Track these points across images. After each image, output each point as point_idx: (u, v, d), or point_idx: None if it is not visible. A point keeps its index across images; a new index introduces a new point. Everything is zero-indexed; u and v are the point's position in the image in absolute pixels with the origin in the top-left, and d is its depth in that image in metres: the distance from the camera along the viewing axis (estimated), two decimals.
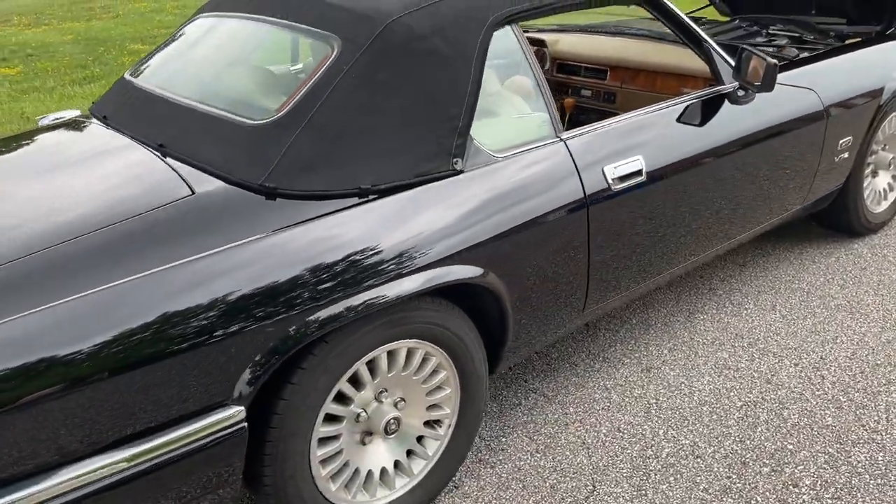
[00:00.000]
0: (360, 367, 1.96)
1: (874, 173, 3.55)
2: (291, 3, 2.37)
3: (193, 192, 1.89)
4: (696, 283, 3.32)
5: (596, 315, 2.60)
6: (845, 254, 3.49)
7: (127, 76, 2.62)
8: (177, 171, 2.00)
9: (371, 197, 1.96)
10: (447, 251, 2.01)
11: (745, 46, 2.64)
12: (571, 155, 2.28)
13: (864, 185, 3.46)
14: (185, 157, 2.05)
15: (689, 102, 2.65)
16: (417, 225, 1.98)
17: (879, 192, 3.59)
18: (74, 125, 2.55)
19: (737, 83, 2.69)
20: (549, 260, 2.26)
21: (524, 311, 2.27)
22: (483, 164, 2.13)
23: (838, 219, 3.50)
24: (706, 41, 2.72)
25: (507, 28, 2.29)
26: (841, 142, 3.11)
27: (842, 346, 2.84)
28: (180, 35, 2.70)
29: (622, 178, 2.37)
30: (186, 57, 2.57)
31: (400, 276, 1.92)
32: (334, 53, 2.08)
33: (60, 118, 2.74)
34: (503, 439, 2.48)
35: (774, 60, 2.56)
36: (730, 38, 3.85)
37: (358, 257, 1.87)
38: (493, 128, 2.24)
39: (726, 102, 2.71)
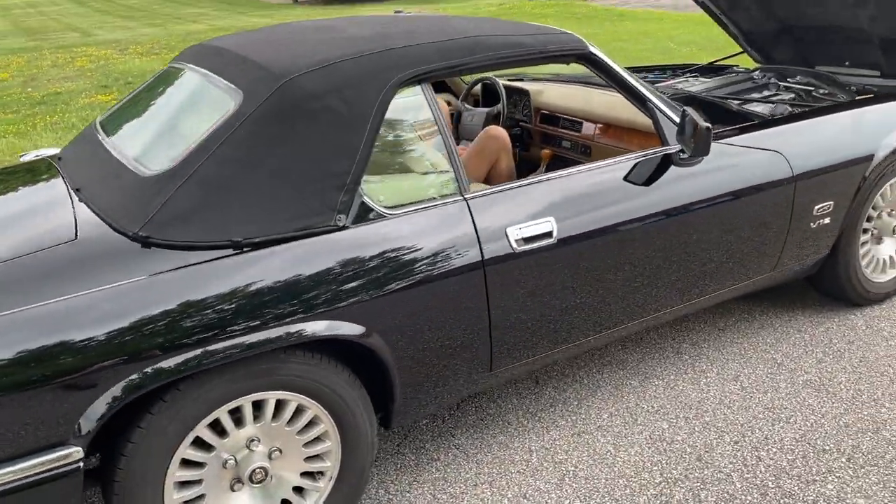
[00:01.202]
0: (222, 414, 2.00)
1: (878, 240, 3.32)
2: (223, 56, 2.47)
3: (76, 237, 2.00)
4: (665, 345, 3.19)
5: (514, 374, 2.55)
6: (837, 324, 3.27)
7: (98, 118, 2.80)
8: (76, 216, 2.12)
9: (246, 249, 2.01)
10: (319, 307, 2.03)
11: (686, 108, 2.55)
12: (471, 214, 2.27)
13: (861, 252, 3.24)
14: (90, 202, 2.17)
15: (625, 163, 2.58)
16: (289, 279, 2.01)
17: (884, 260, 3.35)
18: (36, 164, 2.74)
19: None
20: (443, 321, 2.24)
21: (415, 372, 2.25)
22: (371, 221, 2.15)
23: (831, 286, 3.29)
24: (650, 100, 2.64)
25: (417, 87, 2.31)
26: (817, 207, 2.93)
27: (793, 426, 2.67)
28: (148, 82, 2.86)
29: (528, 240, 2.32)
30: (137, 104, 2.71)
31: (263, 328, 1.96)
32: (234, 108, 2.16)
33: (39, 156, 2.94)
34: (407, 494, 2.46)
35: (707, 124, 2.46)
36: (732, 91, 3.72)
37: (219, 307, 1.93)
38: (390, 185, 2.26)
39: (672, 164, 2.61)
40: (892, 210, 3.31)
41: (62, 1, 30.05)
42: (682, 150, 2.59)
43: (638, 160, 2.59)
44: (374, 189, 2.20)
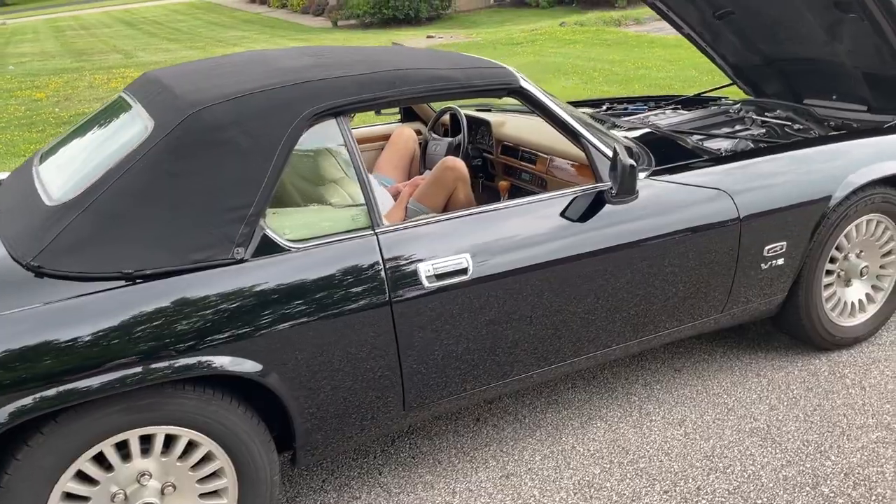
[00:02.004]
0: (105, 448, 1.99)
1: (845, 282, 3.19)
2: (155, 86, 2.48)
3: None
4: (616, 384, 3.10)
5: (432, 413, 2.49)
6: (798, 369, 3.14)
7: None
8: None
9: (138, 281, 2.00)
10: (210, 342, 2.01)
11: (616, 144, 2.48)
12: (381, 249, 2.23)
13: (826, 294, 3.11)
14: (4, 229, 2.19)
15: (554, 199, 2.52)
16: (179, 312, 2.00)
17: (852, 303, 3.22)
18: None
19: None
20: (347, 359, 2.21)
21: (318, 410, 2.21)
22: (272, 254, 2.13)
23: (793, 329, 3.17)
24: (583, 135, 2.58)
25: (332, 120, 2.29)
26: (768, 248, 2.83)
27: (729, 476, 2.56)
28: (96, 110, 2.89)
29: (440, 277, 2.28)
30: (76, 132, 2.74)
31: (148, 361, 1.95)
32: (143, 138, 2.16)
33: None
34: None
35: (631, 161, 2.39)
36: (703, 125, 3.64)
37: (103, 339, 1.91)
38: (298, 218, 2.23)
39: (606, 202, 2.55)
40: (860, 251, 3.18)
41: (114, 23, 30.93)
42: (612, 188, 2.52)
43: (569, 196, 2.53)
44: (280, 222, 2.18)
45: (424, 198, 3.36)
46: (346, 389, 2.24)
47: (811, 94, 4.05)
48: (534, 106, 2.57)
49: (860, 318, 3.24)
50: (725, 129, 3.62)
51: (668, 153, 2.91)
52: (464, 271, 2.31)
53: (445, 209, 3.37)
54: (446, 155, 3.65)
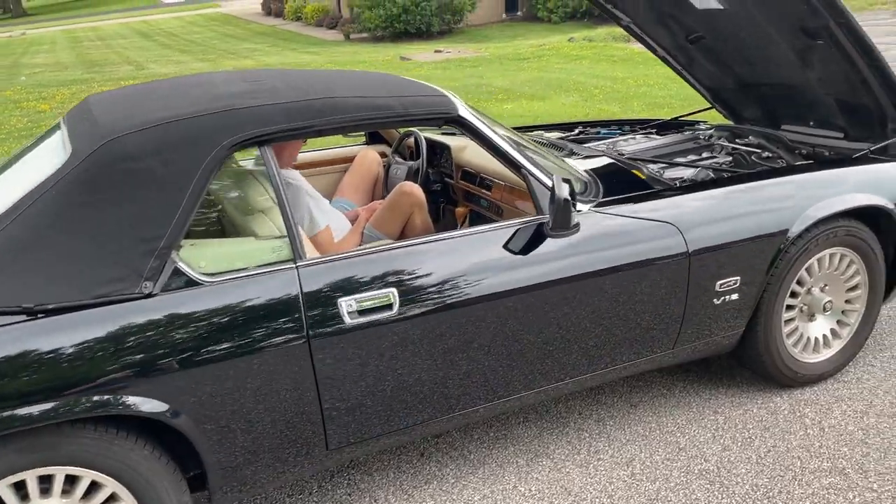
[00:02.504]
0: (2, 489, 1.93)
1: (809, 317, 3.09)
2: (84, 112, 2.44)
3: None
4: (569, 420, 3.01)
5: (362, 453, 2.41)
6: (758, 407, 3.04)
7: None
8: None
9: (40, 316, 1.94)
10: (112, 380, 1.95)
11: (554, 175, 2.41)
12: (300, 284, 2.16)
13: (787, 330, 3.01)
14: None
15: (492, 232, 2.44)
16: (81, 348, 1.94)
17: (816, 339, 3.11)
18: None
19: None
20: (265, 397, 2.14)
21: (231, 450, 2.15)
22: (184, 289, 2.06)
23: (753, 365, 3.07)
24: (523, 166, 2.51)
25: (258, 149, 2.23)
26: (720, 283, 2.73)
27: None
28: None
29: (363, 313, 2.20)
30: (15, 158, 2.70)
31: (46, 399, 1.89)
32: (58, 168, 2.11)
33: None
34: None
35: (566, 195, 2.31)
36: (669, 152, 3.56)
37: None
38: (214, 250, 2.17)
39: (546, 235, 2.47)
40: (825, 286, 3.07)
41: (131, 34, 31.25)
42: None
43: (509, 228, 2.46)
44: (195, 255, 2.12)
45: (380, 223, 3.30)
46: (263, 429, 2.17)
47: (789, 121, 3.96)
48: (472, 135, 2.50)
49: (825, 355, 3.14)
50: (691, 157, 3.54)
51: (620, 183, 2.83)
52: (389, 307, 2.24)
53: (402, 235, 3.31)
54: (406, 179, 3.59)
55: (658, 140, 3.81)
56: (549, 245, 2.46)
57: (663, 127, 4.28)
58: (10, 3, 53.03)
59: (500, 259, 2.40)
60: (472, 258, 2.37)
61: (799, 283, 2.99)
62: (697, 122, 4.38)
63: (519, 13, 24.76)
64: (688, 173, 3.20)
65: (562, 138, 3.94)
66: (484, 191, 3.28)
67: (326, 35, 25.55)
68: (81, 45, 27.45)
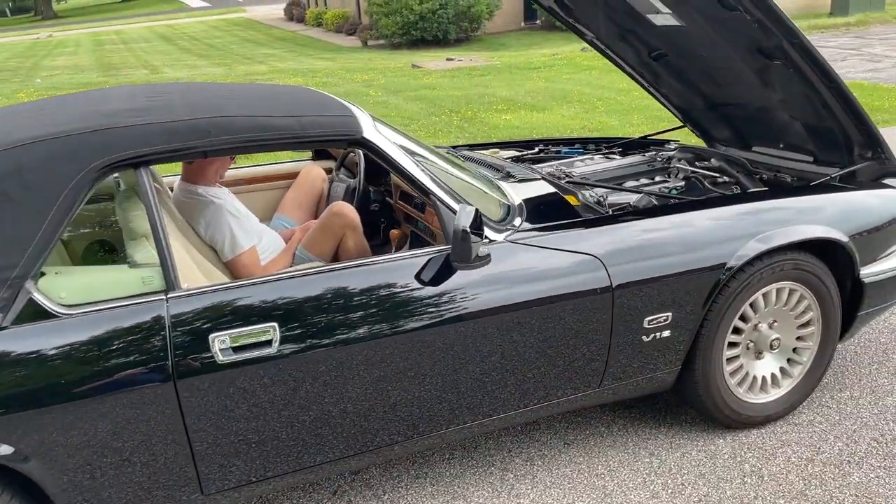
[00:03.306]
0: None
1: (756, 354, 2.89)
2: None
3: None
4: (495, 458, 2.84)
5: (248, 495, 2.27)
6: (697, 450, 2.85)
7: None
8: None
9: None
10: None
11: (460, 204, 2.25)
12: (169, 316, 2.02)
13: (730, 368, 2.82)
14: None
15: (392, 262, 2.29)
16: None
17: (763, 377, 2.92)
18: None
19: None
20: (128, 440, 2.00)
21: (90, 498, 2.01)
22: (39, 321, 1.93)
23: (694, 405, 2.89)
24: (432, 192, 2.36)
25: (131, 171, 2.10)
26: (649, 319, 2.56)
27: None
28: None
29: (238, 350, 2.06)
30: None
31: None
32: None
33: None
34: None
35: (463, 227, 2.15)
36: (620, 175, 3.39)
37: None
38: (78, 279, 2.04)
39: (453, 266, 2.31)
40: (773, 321, 2.88)
41: (154, 38, 31.50)
42: None
43: (417, 258, 2.31)
44: (56, 284, 1.99)
45: (311, 245, 3.17)
46: (127, 474, 2.03)
47: (759, 142, 3.77)
48: (378, 158, 2.35)
49: (773, 395, 2.94)
50: (643, 181, 3.37)
51: (549, 211, 2.67)
52: (268, 343, 2.09)
53: (336, 258, 3.17)
54: (343, 198, 3.45)
55: (615, 161, 3.63)
56: (459, 277, 2.30)
57: (629, 146, 4.10)
58: (40, 6, 53.86)
59: (403, 291, 2.25)
60: (373, 290, 2.22)
61: (743, 318, 2.80)
62: (668, 142, 4.21)
63: (538, 21, 24.57)
64: (633, 199, 3.02)
65: (517, 157, 3.79)
66: (418, 213, 3.13)
67: (345, 41, 25.55)
68: (103, 49, 27.71)
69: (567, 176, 3.33)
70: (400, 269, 2.28)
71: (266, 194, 3.65)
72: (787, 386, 2.96)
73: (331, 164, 3.82)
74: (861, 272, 2.89)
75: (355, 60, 19.77)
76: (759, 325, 2.85)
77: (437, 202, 2.35)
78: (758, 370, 2.91)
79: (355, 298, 2.20)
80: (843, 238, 2.79)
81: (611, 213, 2.71)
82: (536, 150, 3.96)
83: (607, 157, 3.77)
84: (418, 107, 10.57)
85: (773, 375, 2.94)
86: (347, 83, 13.86)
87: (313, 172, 3.64)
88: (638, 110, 9.53)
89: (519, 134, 8.48)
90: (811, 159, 3.50)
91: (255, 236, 3.06)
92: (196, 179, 3.01)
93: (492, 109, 10.13)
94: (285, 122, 2.26)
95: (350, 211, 3.11)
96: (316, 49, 24.13)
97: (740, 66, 3.25)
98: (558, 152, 3.95)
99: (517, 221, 2.53)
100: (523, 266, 2.39)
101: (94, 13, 53.19)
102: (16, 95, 14.40)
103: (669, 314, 2.58)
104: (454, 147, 3.88)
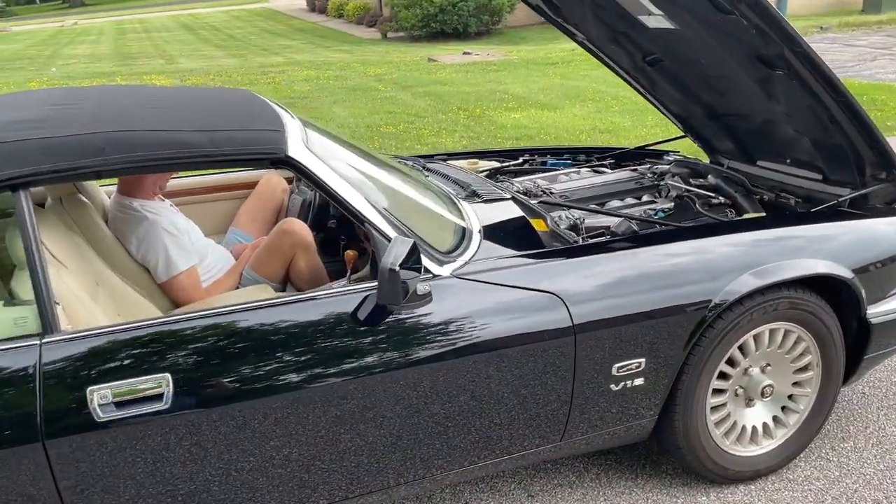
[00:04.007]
0: None
1: (746, 402, 2.57)
2: None
3: None
4: None
5: None
6: None
7: None
8: None
9: None
10: None
11: (396, 236, 1.95)
12: (40, 366, 1.75)
13: (715, 418, 2.50)
14: None
15: (320, 300, 2.00)
16: None
17: (753, 427, 2.59)
18: None
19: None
20: None
21: None
22: None
23: (672, 456, 2.57)
24: (367, 219, 2.06)
25: (7, 194, 1.82)
26: (619, 366, 2.24)
27: None
28: None
29: (122, 406, 1.78)
30: None
31: None
32: None
33: None
34: None
35: (391, 264, 1.85)
36: (614, 190, 3.08)
37: None
38: None
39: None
40: (766, 365, 2.55)
41: (176, 27, 31.40)
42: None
43: (347, 295, 2.02)
44: None
45: (259, 265, 2.89)
46: None
47: (764, 157, 3.43)
48: (307, 178, 2.05)
49: (764, 447, 2.62)
50: (629, 200, 3.04)
51: (510, 239, 2.37)
52: (158, 398, 1.81)
53: (288, 280, 2.89)
54: (298, 213, 3.16)
55: (602, 177, 3.31)
56: (396, 318, 2.00)
57: (624, 158, 3.78)
58: None
59: (327, 334, 1.96)
60: (291, 333, 1.93)
61: (731, 363, 2.47)
62: (666, 153, 3.88)
63: None
64: (613, 222, 2.70)
65: (498, 169, 3.48)
66: None
67: (364, 33, 25.25)
68: (125, 37, 27.64)
69: (545, 192, 3.02)
70: (326, 306, 1.99)
71: (221, 205, 3.37)
72: (780, 437, 2.63)
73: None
74: (868, 311, 2.55)
75: (372, 53, 19.49)
76: (750, 369, 2.53)
77: (372, 230, 2.05)
78: (747, 419, 2.58)
79: (270, 343, 1.91)
80: (849, 275, 2.46)
81: (580, 241, 2.39)
82: (521, 160, 3.65)
83: (595, 171, 3.45)
84: (426, 103, 10.26)
85: (764, 425, 2.61)
86: (359, 77, 13.59)
87: (273, 182, 3.36)
88: (653, 111, 9.09)
89: (526, 134, 8.14)
90: (820, 177, 3.16)
91: (196, 255, 2.79)
92: (132, 192, 2.74)
93: (501, 107, 9.79)
94: (195, 137, 1.97)
95: (301, 228, 2.83)
96: (335, 41, 23.87)
97: (740, 74, 2.92)
98: (544, 163, 3.63)
99: (470, 252, 2.23)
100: (471, 306, 2.08)
101: (123, 0, 53.39)
102: (28, 84, 14.29)
103: (643, 360, 2.26)
104: (430, 157, 3.57)
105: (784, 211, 2.96)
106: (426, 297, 2.01)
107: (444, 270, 2.11)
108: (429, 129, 8.50)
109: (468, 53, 16.46)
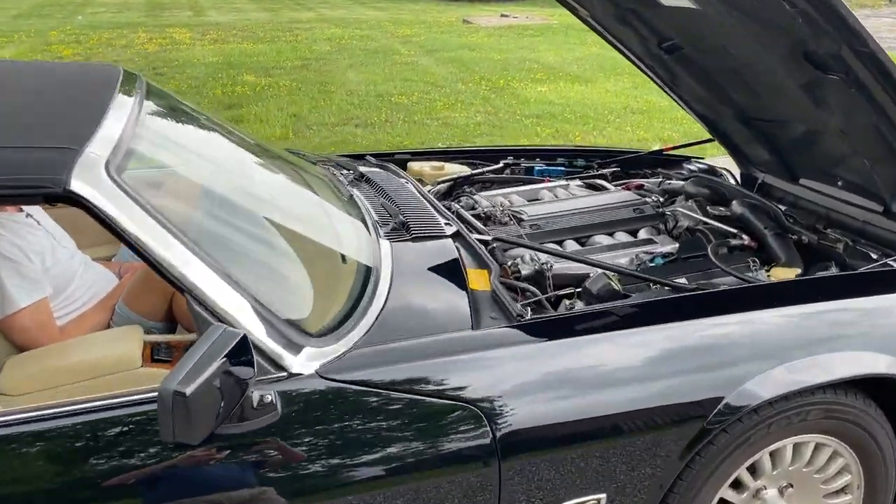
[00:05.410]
0: None
1: None
2: None
3: None
4: None
5: None
6: None
7: None
8: None
9: None
10: None
11: (213, 325, 1.28)
12: None
13: None
14: None
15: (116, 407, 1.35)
16: None
17: None
18: None
19: None
20: None
21: None
22: None
23: None
24: (181, 281, 1.39)
25: None
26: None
27: None
28: None
29: None
30: None
31: None
32: None
33: None
34: None
35: (174, 387, 1.18)
36: (602, 220, 2.39)
37: None
38: None
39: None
40: (786, 486, 1.85)
41: None
42: None
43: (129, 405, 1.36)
44: None
45: (132, 299, 2.27)
46: None
47: (810, 175, 2.68)
48: (95, 219, 1.38)
49: None
50: (620, 235, 2.33)
51: (429, 306, 1.68)
52: None
53: (171, 319, 2.26)
54: None
55: (595, 197, 2.58)
56: (227, 435, 1.35)
57: (634, 165, 3.04)
58: None
59: (112, 460, 1.31)
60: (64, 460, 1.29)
61: (736, 486, 1.78)
62: (687, 159, 3.13)
63: None
64: (590, 274, 1.99)
65: (468, 178, 2.78)
66: None
67: None
68: None
69: (512, 218, 2.32)
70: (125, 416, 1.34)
71: None
72: None
73: None
74: None
75: (408, 12, 18.69)
76: (764, 492, 1.82)
77: (189, 298, 1.38)
78: None
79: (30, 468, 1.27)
80: None
81: (526, 315, 1.68)
82: (501, 164, 2.93)
83: (589, 185, 2.73)
84: (448, 70, 9.50)
85: None
86: (386, 37, 12.85)
87: None
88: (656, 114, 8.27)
89: (549, 111, 7.36)
90: (881, 209, 2.40)
91: (49, 284, 2.15)
92: None
93: (528, 78, 8.99)
94: None
95: None
96: None
97: (780, 74, 2.18)
98: (531, 170, 2.91)
99: (359, 331, 1.54)
100: (340, 421, 1.41)
101: None
102: (48, 34, 13.85)
103: (603, 496, 1.57)
104: (388, 155, 2.89)
105: (829, 261, 2.22)
106: (269, 410, 1.35)
107: (306, 364, 1.43)
108: (443, 101, 7.76)
109: (506, 16, 15.56)
